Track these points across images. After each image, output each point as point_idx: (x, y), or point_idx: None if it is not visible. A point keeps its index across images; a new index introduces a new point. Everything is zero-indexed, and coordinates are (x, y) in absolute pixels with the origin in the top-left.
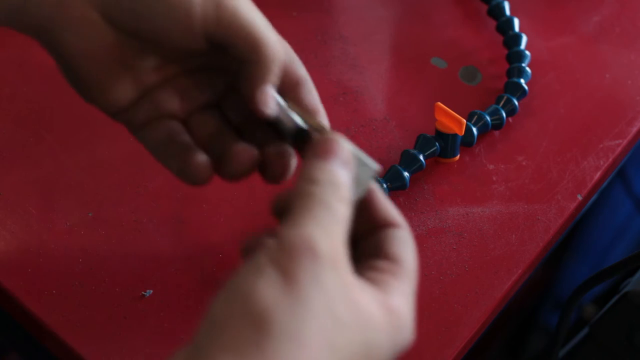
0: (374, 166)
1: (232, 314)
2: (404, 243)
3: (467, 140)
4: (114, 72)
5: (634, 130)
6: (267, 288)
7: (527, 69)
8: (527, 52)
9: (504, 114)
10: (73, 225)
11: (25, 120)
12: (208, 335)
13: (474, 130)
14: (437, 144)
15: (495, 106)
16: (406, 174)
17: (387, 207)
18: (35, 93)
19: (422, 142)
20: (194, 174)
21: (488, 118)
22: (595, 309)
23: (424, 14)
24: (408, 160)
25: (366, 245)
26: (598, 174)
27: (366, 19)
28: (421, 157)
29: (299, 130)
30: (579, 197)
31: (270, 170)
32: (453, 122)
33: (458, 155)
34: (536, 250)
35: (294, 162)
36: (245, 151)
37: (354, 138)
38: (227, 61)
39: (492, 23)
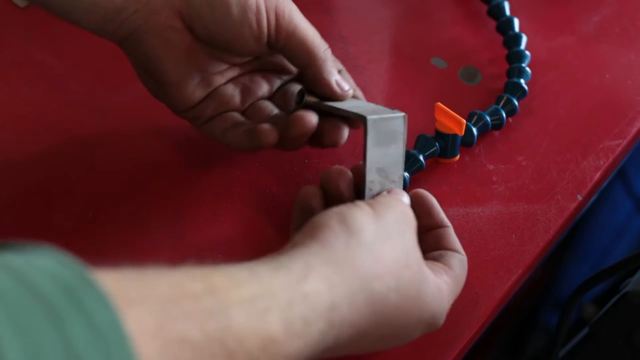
0: (401, 114)
1: (331, 220)
2: (460, 262)
3: (467, 141)
4: (189, 75)
5: (634, 130)
6: (363, 215)
7: (527, 69)
8: (527, 52)
9: (504, 114)
10: (73, 225)
11: (25, 121)
12: (304, 232)
13: (474, 130)
14: (437, 144)
15: (495, 106)
16: (406, 174)
17: (456, 241)
18: (35, 93)
19: (422, 143)
20: (263, 138)
21: (488, 118)
22: (595, 309)
23: (424, 14)
24: (408, 160)
25: (432, 257)
26: (598, 174)
27: (366, 19)
28: (421, 158)
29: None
30: (579, 197)
31: (327, 137)
32: (453, 122)
33: (458, 156)
34: (536, 250)
35: (346, 131)
36: (307, 116)
37: (353, 137)
38: (281, 63)
39: (492, 23)
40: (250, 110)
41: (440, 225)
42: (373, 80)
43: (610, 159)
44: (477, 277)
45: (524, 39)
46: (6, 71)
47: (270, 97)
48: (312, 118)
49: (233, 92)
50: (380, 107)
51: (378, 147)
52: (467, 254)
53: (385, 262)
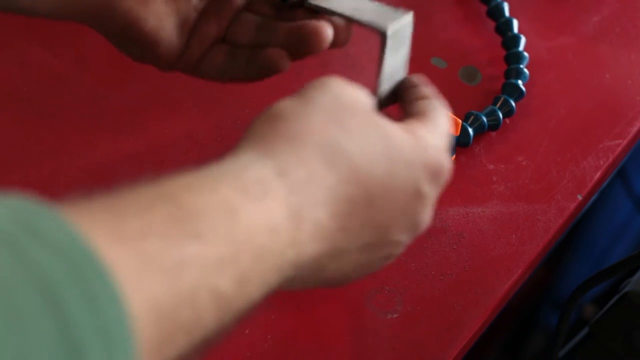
0: (409, 15)
1: (256, 118)
2: (435, 106)
3: (463, 141)
4: (171, 26)
5: (634, 130)
6: (285, 101)
7: (525, 70)
8: (525, 54)
9: (501, 115)
10: None
11: (25, 120)
12: (243, 137)
13: (470, 130)
14: None
15: (491, 107)
16: None
17: (425, 88)
18: (35, 93)
19: None
20: (275, 62)
21: (484, 119)
22: (595, 309)
23: (424, 14)
24: None
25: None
26: (598, 174)
27: None
28: None
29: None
30: (579, 197)
31: (340, 37)
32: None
33: (454, 156)
34: (536, 250)
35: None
36: (322, 27)
37: None
38: None
39: (492, 24)
40: (233, 29)
41: (424, 97)
42: (373, 81)
43: (610, 159)
44: (477, 277)
45: (523, 40)
46: (6, 71)
47: (249, 8)
48: (329, 31)
49: (208, 22)
50: (379, 6)
51: (392, 55)
52: (467, 254)
53: (319, 119)
